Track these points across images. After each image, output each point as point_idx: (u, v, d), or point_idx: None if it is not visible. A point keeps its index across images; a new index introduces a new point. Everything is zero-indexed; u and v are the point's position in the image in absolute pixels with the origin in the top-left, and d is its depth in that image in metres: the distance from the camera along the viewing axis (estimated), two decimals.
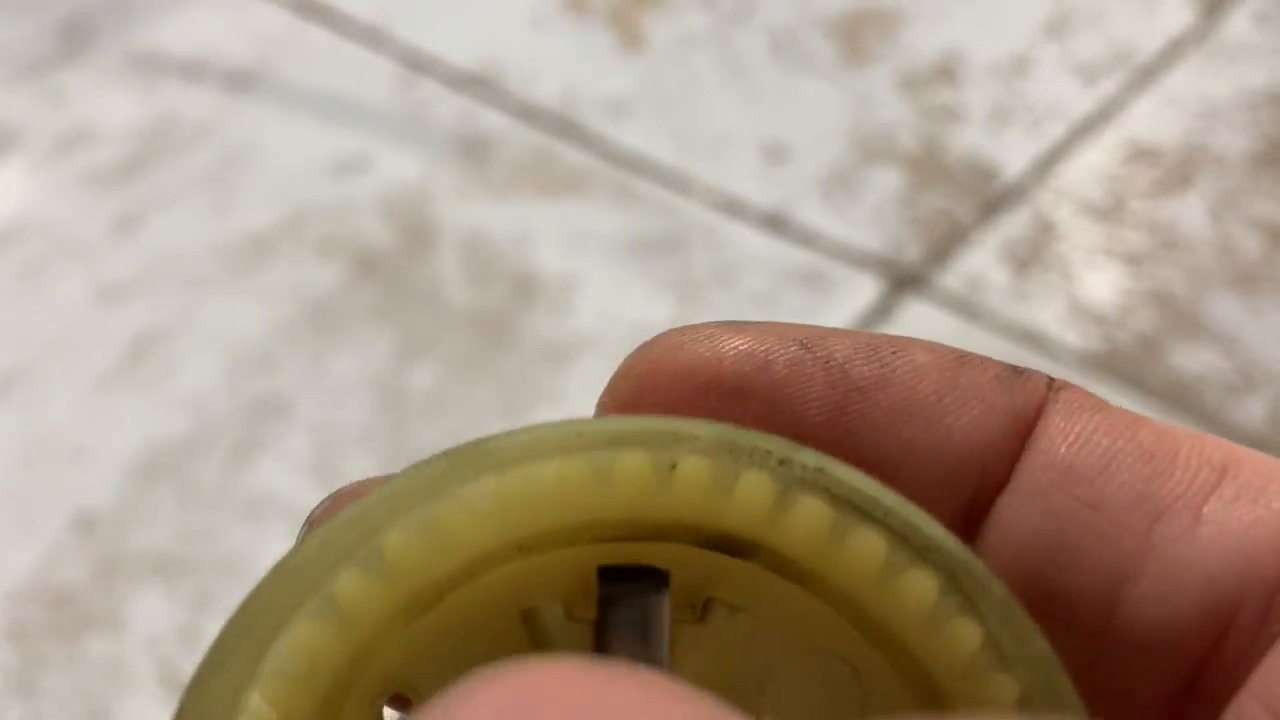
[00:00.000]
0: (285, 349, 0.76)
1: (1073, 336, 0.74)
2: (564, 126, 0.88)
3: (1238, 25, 0.92)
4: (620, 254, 0.80)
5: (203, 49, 0.95)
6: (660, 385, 0.16)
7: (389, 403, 0.74)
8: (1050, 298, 0.76)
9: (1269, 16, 0.92)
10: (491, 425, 0.73)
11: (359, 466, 0.71)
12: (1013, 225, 0.81)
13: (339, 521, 0.15)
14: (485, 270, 0.79)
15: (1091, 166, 0.84)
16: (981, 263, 0.78)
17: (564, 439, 0.15)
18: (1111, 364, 0.73)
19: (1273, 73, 0.89)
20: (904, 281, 0.78)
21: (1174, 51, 0.90)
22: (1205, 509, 0.15)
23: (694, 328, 0.16)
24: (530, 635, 0.16)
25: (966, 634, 0.15)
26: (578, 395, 0.72)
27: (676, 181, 0.84)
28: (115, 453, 0.72)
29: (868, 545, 0.15)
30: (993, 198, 0.82)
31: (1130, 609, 0.15)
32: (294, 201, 0.84)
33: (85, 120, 0.90)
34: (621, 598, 0.15)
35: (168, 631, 0.65)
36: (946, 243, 0.80)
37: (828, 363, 0.16)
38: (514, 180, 0.85)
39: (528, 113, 0.89)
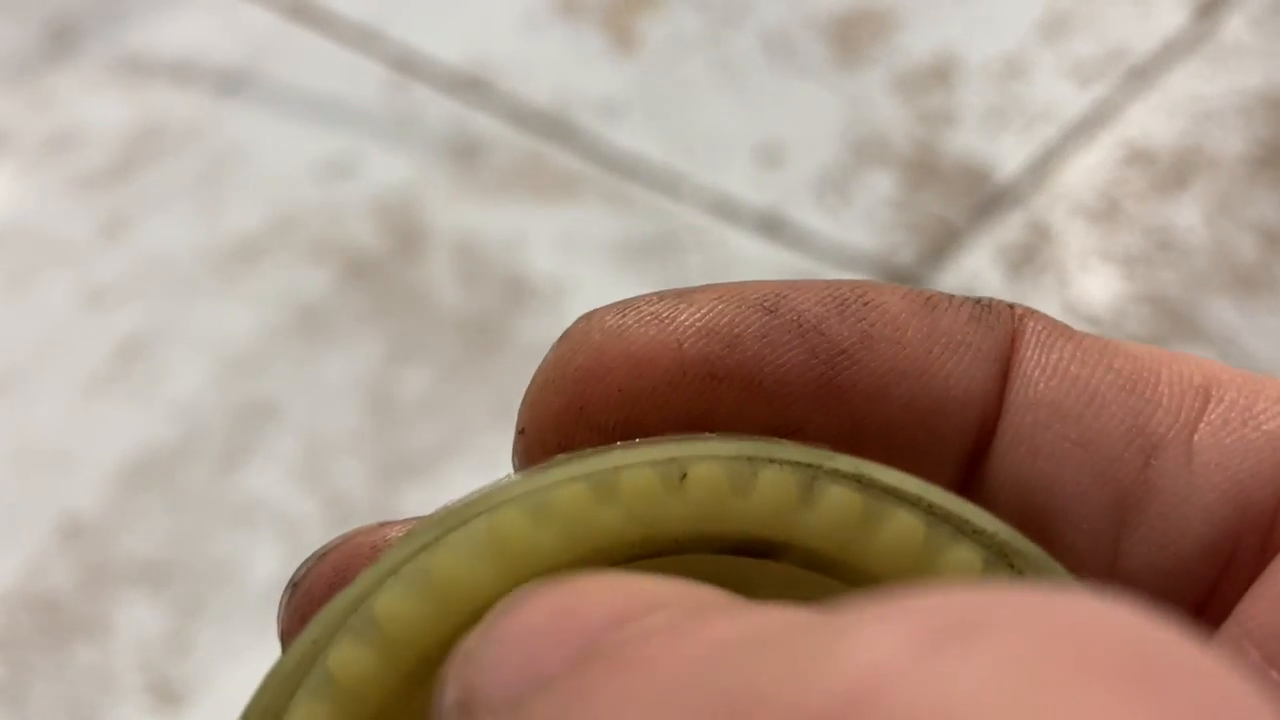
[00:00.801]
0: (275, 353, 0.76)
1: None
2: (556, 129, 0.88)
3: (1233, 27, 0.91)
4: (613, 257, 0.79)
5: (191, 51, 0.94)
6: (611, 380, 0.14)
7: (379, 407, 0.73)
8: (1045, 301, 0.76)
9: (1264, 18, 0.92)
10: (483, 430, 0.72)
11: (349, 471, 0.70)
12: (1007, 228, 0.80)
13: (332, 608, 0.14)
14: (476, 274, 0.79)
15: (1086, 169, 0.84)
16: (976, 265, 0.78)
17: (559, 478, 0.14)
18: None
19: (1268, 75, 0.88)
20: (898, 284, 0.77)
21: (1169, 54, 0.90)
22: (1196, 438, 0.14)
23: (631, 303, 0.15)
24: None
25: None
26: None
27: (669, 184, 0.83)
28: (103, 458, 0.71)
29: (905, 527, 0.14)
30: (987, 200, 0.82)
31: (1133, 552, 0.15)
32: (284, 205, 0.83)
33: (73, 123, 0.90)
34: None
35: (156, 638, 0.65)
36: (941, 245, 0.79)
37: (800, 327, 0.14)
38: (505, 183, 0.84)
39: (519, 115, 0.89)
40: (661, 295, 0.15)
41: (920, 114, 0.87)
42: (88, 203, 0.85)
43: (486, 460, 0.71)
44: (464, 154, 0.86)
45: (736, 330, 0.14)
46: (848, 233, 0.80)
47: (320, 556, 0.15)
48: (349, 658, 0.14)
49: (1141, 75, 0.89)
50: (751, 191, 0.83)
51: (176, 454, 0.72)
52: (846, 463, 0.14)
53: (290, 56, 0.93)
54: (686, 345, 0.14)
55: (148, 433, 0.72)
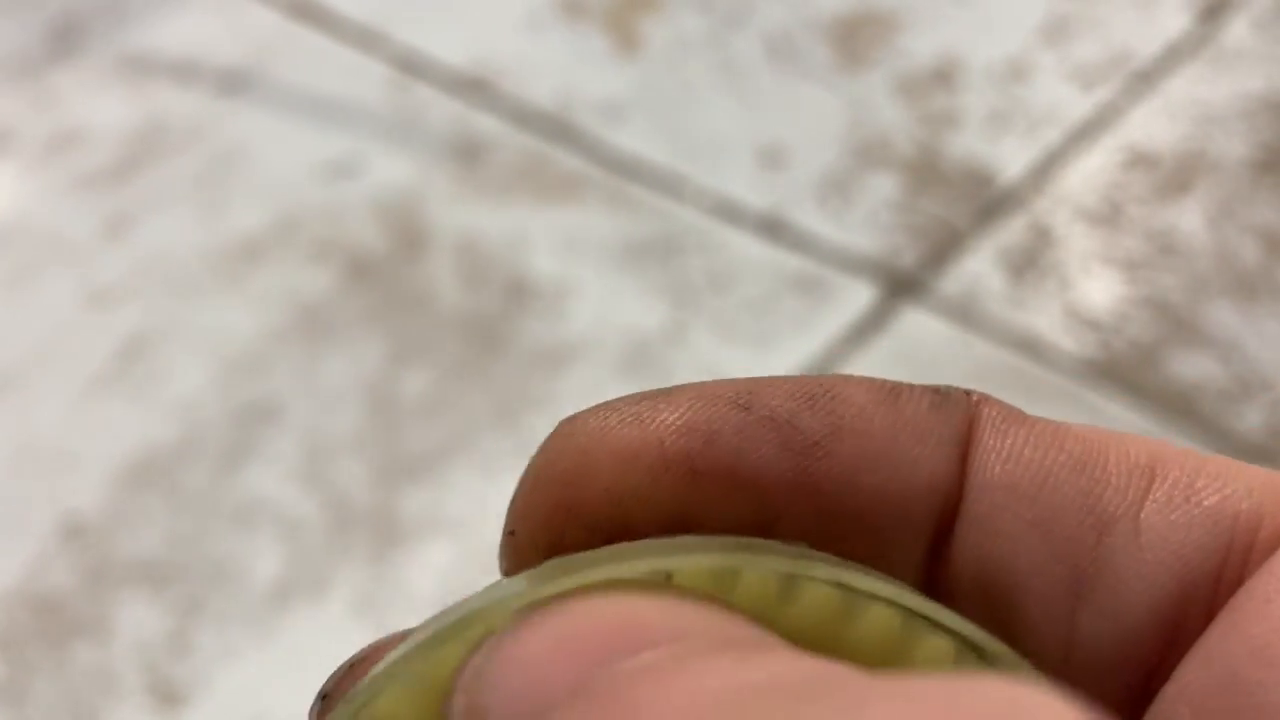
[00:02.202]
0: (276, 353, 0.76)
1: (1069, 344, 0.74)
2: (559, 130, 0.88)
3: (1236, 31, 0.91)
4: (615, 259, 0.79)
5: (194, 51, 0.94)
6: (598, 480, 0.15)
7: (381, 408, 0.73)
8: (1047, 304, 0.76)
9: (1267, 22, 0.92)
10: (484, 431, 0.72)
11: (350, 472, 0.70)
12: (1010, 231, 0.80)
13: (341, 703, 0.14)
14: (479, 275, 0.79)
15: (1089, 173, 0.83)
16: (978, 269, 0.78)
17: (549, 593, 0.14)
18: (1108, 371, 0.73)
19: (1271, 79, 0.88)
20: (900, 287, 0.77)
21: (1172, 57, 0.90)
22: (1142, 515, 0.15)
23: (613, 405, 0.15)
24: None
25: None
26: (571, 402, 0.72)
27: (672, 185, 0.83)
28: (104, 458, 0.71)
29: (882, 619, 0.14)
30: (989, 203, 0.82)
31: (1088, 625, 0.15)
32: (286, 205, 0.83)
33: (76, 122, 0.90)
34: None
35: (156, 638, 0.65)
36: (943, 249, 0.79)
37: (774, 421, 0.15)
38: (508, 184, 0.84)
39: (522, 116, 0.89)
40: (641, 396, 0.15)
41: (922, 117, 0.87)
42: (90, 202, 0.85)
43: (487, 461, 0.71)
44: (466, 155, 0.86)
45: (714, 427, 0.15)
46: (849, 235, 0.80)
47: (349, 667, 0.15)
48: None
49: (1144, 79, 0.89)
50: (753, 193, 0.83)
51: (177, 454, 0.72)
52: (824, 570, 0.14)
53: (293, 56, 0.93)
54: (668, 443, 0.15)
55: (149, 433, 0.72)
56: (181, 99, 0.91)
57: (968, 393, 0.16)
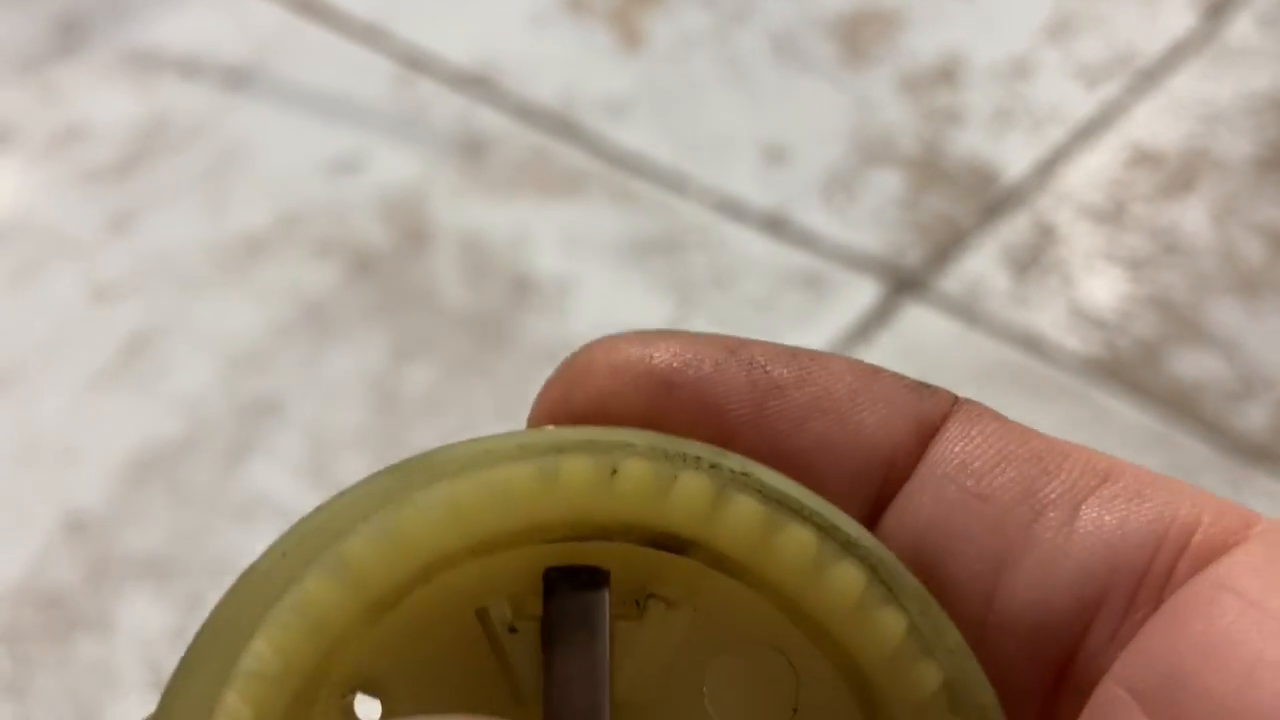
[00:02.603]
0: (280, 349, 0.76)
1: (1073, 342, 0.74)
2: (562, 126, 0.88)
3: (1240, 29, 0.91)
4: (618, 255, 0.79)
5: (199, 46, 0.94)
6: (592, 381, 0.17)
7: (384, 404, 0.73)
8: (1050, 302, 0.76)
9: (1272, 20, 0.92)
10: (487, 427, 0.72)
11: (353, 468, 0.70)
12: (1013, 229, 0.80)
13: (301, 530, 0.16)
14: (482, 271, 0.79)
15: (1093, 170, 0.83)
16: (981, 266, 0.78)
17: (509, 449, 0.16)
18: (1111, 370, 0.73)
19: (1276, 77, 0.88)
20: (903, 285, 0.77)
21: (1176, 55, 0.90)
22: (1084, 507, 0.16)
23: (627, 333, 0.18)
24: (485, 632, 0.17)
25: (891, 623, 0.16)
26: None
27: (675, 182, 0.83)
28: (107, 453, 0.71)
29: (798, 540, 0.16)
30: (993, 201, 0.82)
31: (1008, 596, 0.16)
32: (290, 201, 0.83)
33: (80, 117, 0.90)
34: (565, 596, 0.16)
35: (158, 633, 0.65)
36: (946, 246, 0.79)
37: (750, 363, 0.17)
38: (512, 180, 0.84)
39: (526, 112, 0.89)
40: (653, 330, 0.18)
41: (926, 114, 0.87)
42: (94, 197, 0.85)
43: None
44: (470, 151, 0.87)
45: (698, 358, 0.17)
46: (853, 233, 0.80)
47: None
48: (322, 592, 0.16)
49: (1148, 76, 0.89)
50: (757, 190, 0.83)
51: (181, 449, 0.72)
52: (736, 460, 0.16)
53: (297, 52, 0.93)
54: (655, 360, 0.17)
55: (152, 428, 0.73)
56: (186, 95, 0.91)
57: (956, 396, 0.18)
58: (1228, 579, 0.15)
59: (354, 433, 0.72)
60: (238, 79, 0.92)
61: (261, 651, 0.16)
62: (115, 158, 0.87)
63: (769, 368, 0.17)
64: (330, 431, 0.72)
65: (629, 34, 0.94)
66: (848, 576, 0.16)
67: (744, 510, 0.16)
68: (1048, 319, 0.75)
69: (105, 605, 0.66)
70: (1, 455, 0.72)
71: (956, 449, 0.17)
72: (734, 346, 0.17)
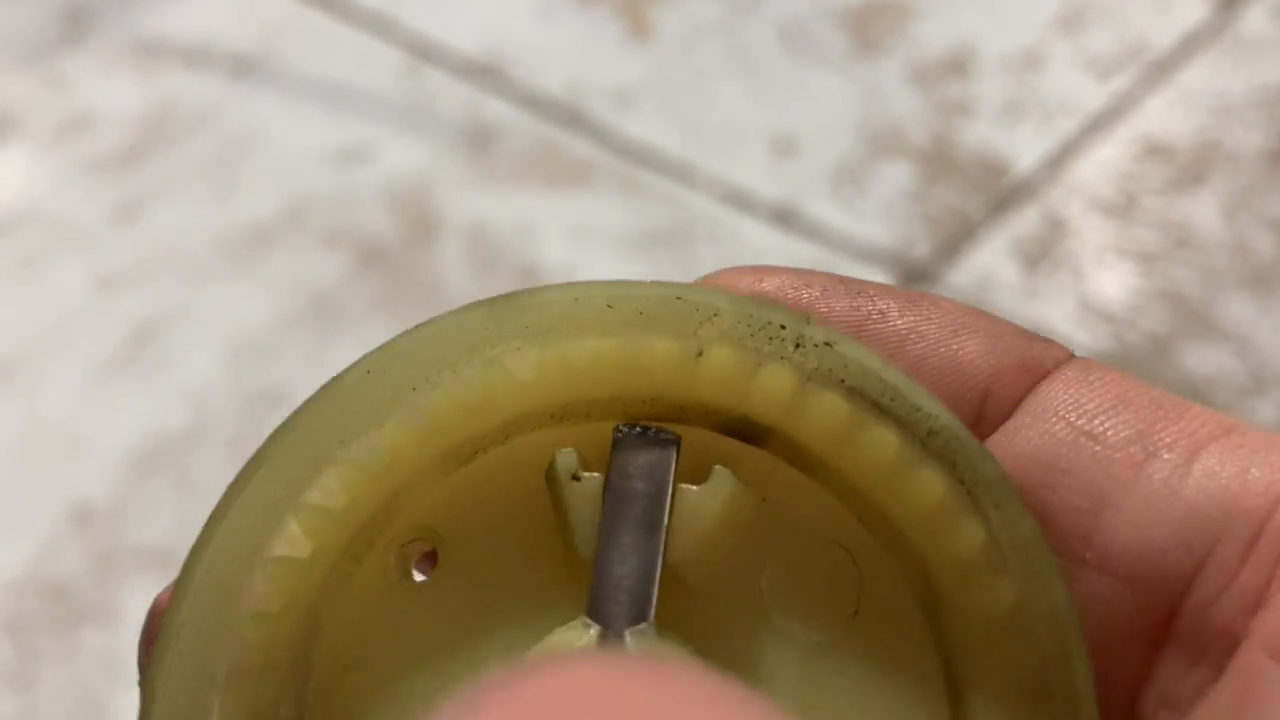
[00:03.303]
0: (286, 340, 0.76)
1: (1082, 335, 0.74)
2: (570, 117, 0.87)
3: (1253, 21, 0.91)
4: (625, 246, 0.79)
5: (205, 35, 0.94)
6: (717, 281, 0.18)
7: None
8: (1060, 296, 0.76)
9: None
10: None
11: None
12: (1023, 222, 0.80)
13: (392, 350, 0.17)
14: (489, 262, 0.79)
15: (1104, 163, 0.83)
16: (991, 260, 0.78)
17: (598, 307, 0.17)
18: (1121, 364, 0.72)
19: None
20: (913, 277, 0.77)
21: (1188, 47, 0.89)
22: (1203, 453, 0.16)
23: (744, 266, 0.18)
24: (548, 484, 0.17)
25: (968, 535, 0.16)
26: None
27: (683, 174, 0.83)
28: (113, 444, 0.71)
29: (880, 442, 0.16)
30: (1003, 194, 0.81)
31: (1109, 534, 0.16)
32: (296, 190, 0.83)
33: (87, 106, 0.90)
34: (633, 449, 0.16)
35: None
36: (956, 239, 0.79)
37: (858, 292, 0.17)
38: (519, 171, 0.84)
39: (533, 103, 0.88)
40: (772, 266, 0.18)
41: (937, 106, 0.87)
42: (101, 187, 0.85)
43: None
44: (477, 141, 0.86)
45: (809, 283, 0.18)
46: (862, 225, 0.80)
47: (151, 616, 0.17)
48: (396, 439, 0.16)
49: (1160, 69, 0.88)
50: (766, 182, 0.83)
51: (187, 440, 0.71)
52: (821, 331, 0.17)
53: (304, 41, 0.93)
54: (764, 284, 0.18)
55: (159, 419, 0.72)
56: (192, 84, 0.91)
57: (1072, 352, 0.17)
58: None
59: None
60: (244, 68, 0.92)
61: (330, 487, 0.16)
62: (121, 147, 0.87)
63: (876, 297, 0.17)
64: None
65: (637, 24, 0.94)
66: (927, 483, 0.16)
67: (827, 406, 0.16)
68: (1057, 312, 0.75)
69: (111, 596, 0.66)
70: (7, 446, 0.72)
71: (1069, 390, 0.16)
72: (845, 280, 0.18)
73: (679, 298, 0.17)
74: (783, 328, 0.16)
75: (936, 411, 0.16)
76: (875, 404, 0.16)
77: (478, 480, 0.17)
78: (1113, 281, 0.76)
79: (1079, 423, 0.16)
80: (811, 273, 0.18)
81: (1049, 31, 0.91)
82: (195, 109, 0.89)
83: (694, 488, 0.16)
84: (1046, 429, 0.16)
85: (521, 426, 0.17)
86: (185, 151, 0.87)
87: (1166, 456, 0.16)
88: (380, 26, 0.94)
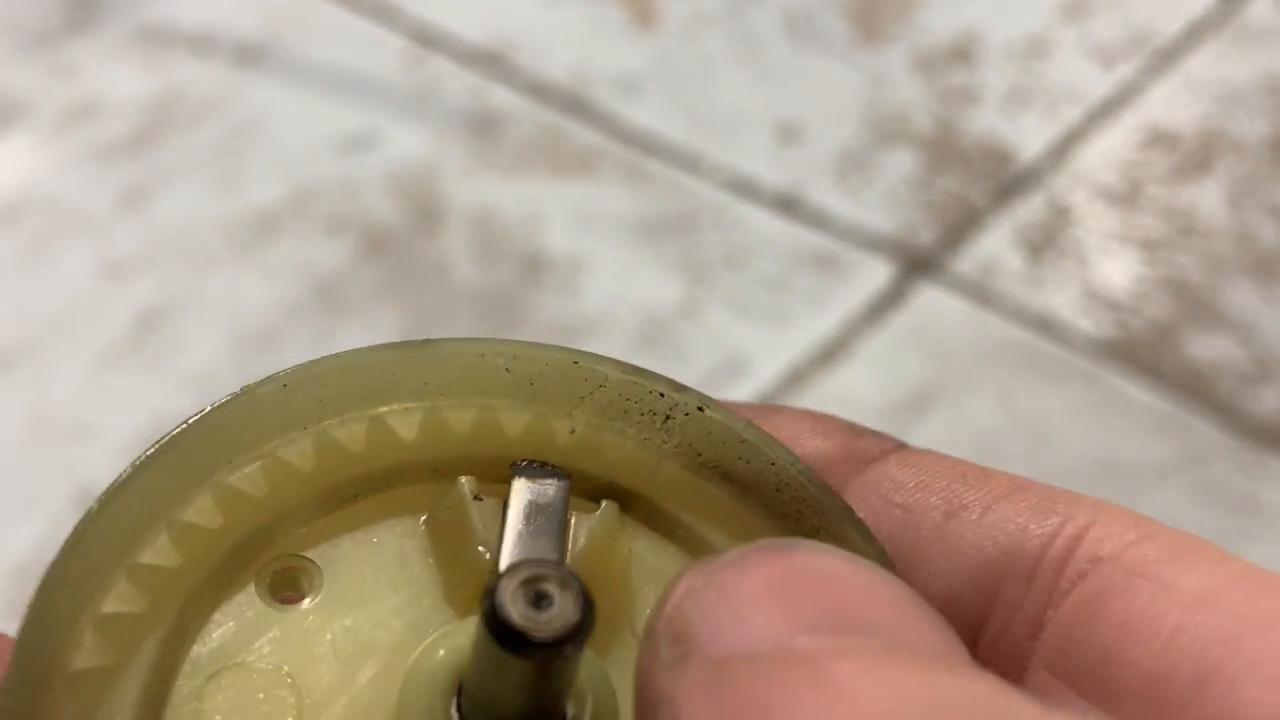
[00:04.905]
0: (292, 326, 0.76)
1: (1087, 323, 0.74)
2: (575, 104, 0.87)
3: (1259, 8, 0.91)
4: (630, 234, 0.79)
5: (211, 22, 0.94)
6: None
7: None
8: (1064, 284, 0.76)
9: None
10: None
11: None
12: (1028, 210, 0.80)
13: (301, 374, 0.18)
14: (494, 249, 0.79)
15: (1108, 151, 0.83)
16: (995, 247, 0.78)
17: (494, 378, 0.19)
18: (1125, 352, 0.72)
19: None
20: (917, 265, 0.77)
21: (1194, 35, 0.89)
22: (993, 509, 0.18)
23: None
24: (431, 536, 0.18)
25: None
26: None
27: (688, 161, 0.83)
28: (119, 430, 0.72)
29: (726, 508, 0.18)
30: (1008, 181, 0.81)
31: (921, 588, 0.18)
32: (302, 178, 0.83)
33: (93, 93, 0.90)
34: (530, 476, 0.18)
35: None
36: (960, 226, 0.79)
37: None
38: (524, 158, 0.84)
39: (538, 90, 0.88)
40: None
41: (941, 94, 0.87)
42: (106, 173, 0.85)
43: None
44: (482, 128, 0.86)
45: None
46: (867, 212, 0.80)
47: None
48: (287, 461, 0.17)
49: (1165, 57, 0.88)
50: (770, 170, 0.83)
51: None
52: (695, 396, 0.19)
53: (310, 29, 0.93)
54: None
55: (164, 404, 0.73)
56: (198, 70, 0.91)
57: (900, 441, 0.20)
58: (1138, 567, 0.17)
59: None
60: (249, 55, 0.92)
61: (205, 506, 0.17)
62: (127, 134, 0.87)
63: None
64: None
65: (642, 12, 0.94)
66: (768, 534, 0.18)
67: (682, 480, 0.18)
68: (1061, 300, 0.75)
69: None
70: (14, 431, 0.72)
71: (889, 472, 0.19)
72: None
73: (575, 362, 0.19)
74: (661, 395, 0.19)
75: (788, 462, 0.19)
76: (725, 474, 0.19)
77: (356, 519, 0.18)
78: (1117, 269, 0.76)
79: (895, 497, 0.19)
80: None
81: (1054, 19, 0.91)
82: (200, 96, 0.89)
83: (585, 514, 0.18)
84: (867, 507, 0.19)
85: (402, 478, 0.18)
86: (190, 138, 0.87)
87: (965, 515, 0.18)
88: (385, 13, 0.94)
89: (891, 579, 0.15)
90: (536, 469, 0.18)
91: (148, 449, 0.18)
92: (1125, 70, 0.87)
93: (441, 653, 0.17)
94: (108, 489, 0.17)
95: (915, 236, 0.78)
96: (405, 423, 0.18)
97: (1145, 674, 0.16)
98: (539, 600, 0.14)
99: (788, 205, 0.80)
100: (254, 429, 0.18)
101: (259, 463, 0.18)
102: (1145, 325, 0.74)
